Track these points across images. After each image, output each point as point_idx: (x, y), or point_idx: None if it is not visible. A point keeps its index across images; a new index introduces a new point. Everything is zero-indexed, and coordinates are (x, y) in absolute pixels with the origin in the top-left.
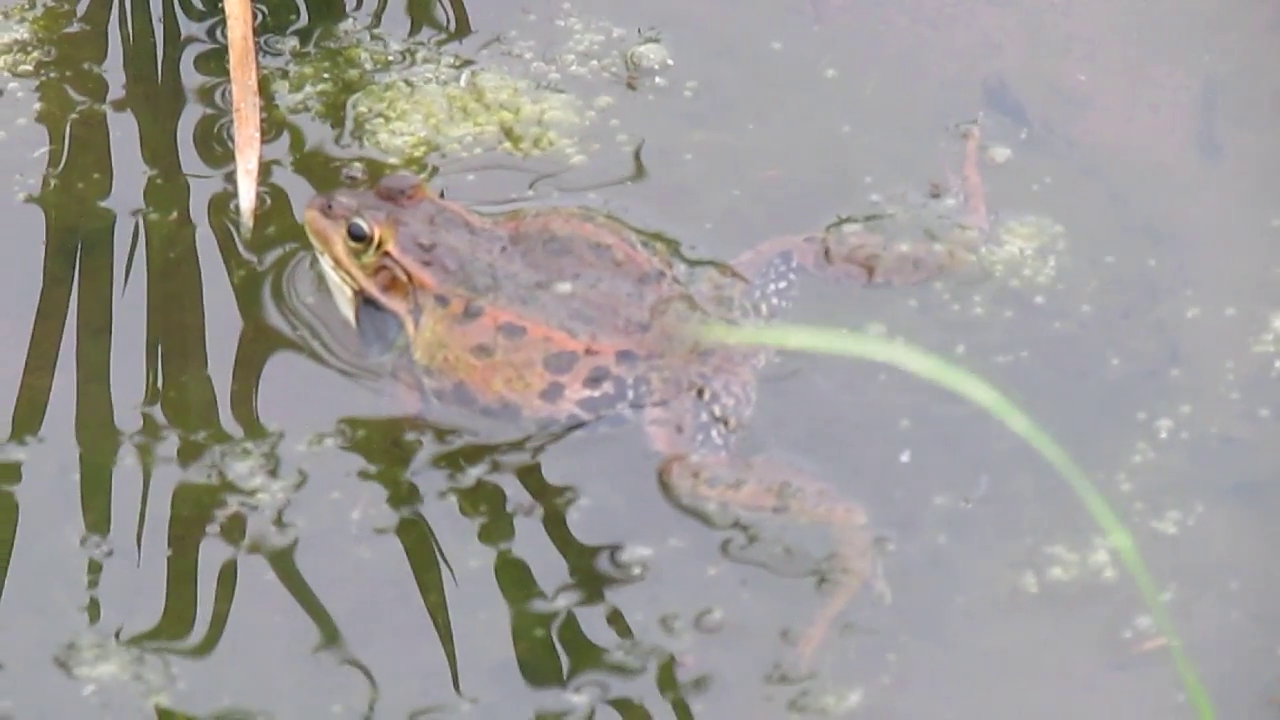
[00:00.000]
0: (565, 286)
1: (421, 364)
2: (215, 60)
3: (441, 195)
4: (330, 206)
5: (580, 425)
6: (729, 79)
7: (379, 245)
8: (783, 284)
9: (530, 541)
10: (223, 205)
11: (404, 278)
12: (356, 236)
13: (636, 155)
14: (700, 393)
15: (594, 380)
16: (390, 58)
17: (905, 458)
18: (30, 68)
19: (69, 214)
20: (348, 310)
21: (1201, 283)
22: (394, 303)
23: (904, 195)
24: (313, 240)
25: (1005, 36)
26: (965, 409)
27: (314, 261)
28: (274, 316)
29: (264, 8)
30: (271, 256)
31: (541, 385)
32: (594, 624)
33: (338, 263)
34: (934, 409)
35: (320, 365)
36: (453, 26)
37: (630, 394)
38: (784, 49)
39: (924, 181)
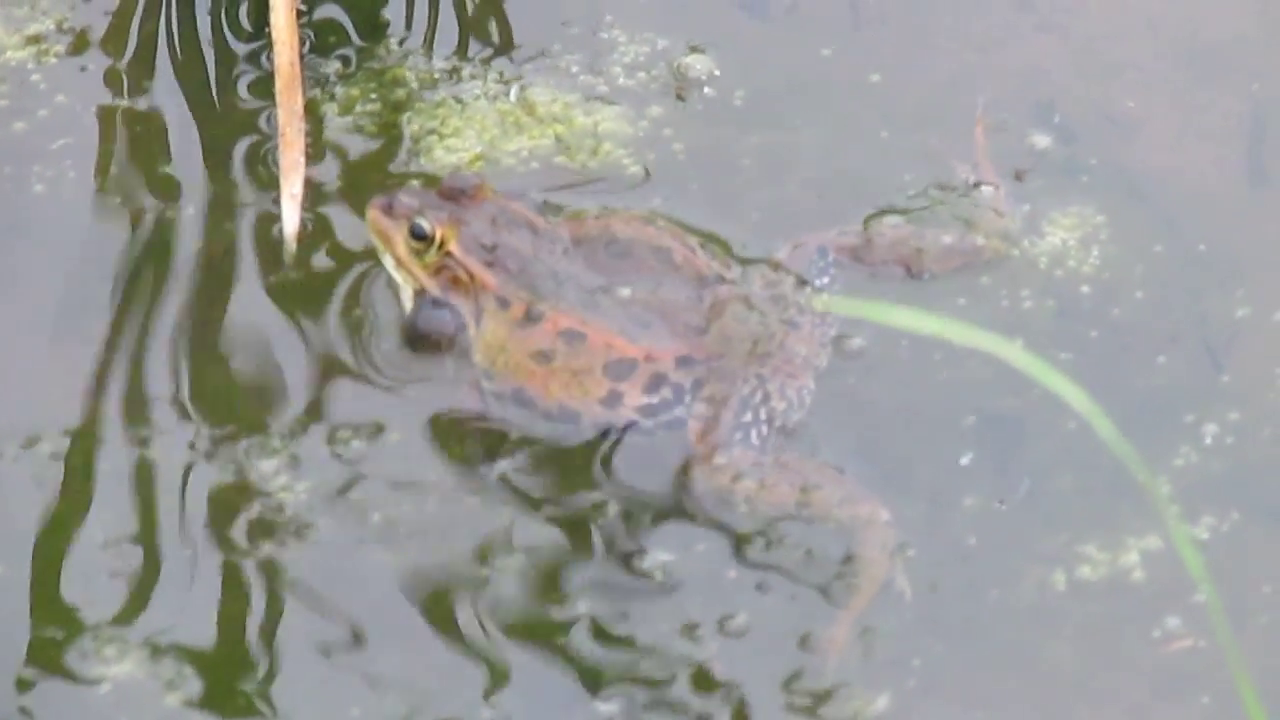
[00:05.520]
0: (625, 291)
1: (482, 366)
2: (264, 83)
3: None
4: (392, 206)
5: (635, 430)
6: (777, 87)
7: (441, 245)
8: (825, 279)
9: (555, 546)
10: (265, 225)
11: (466, 278)
12: (418, 236)
13: (691, 162)
14: (750, 393)
15: (652, 387)
16: (436, 76)
17: (965, 460)
18: (54, 60)
19: (97, 207)
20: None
21: (1253, 292)
22: (456, 303)
23: (931, 189)
24: (374, 239)
25: (1053, 62)
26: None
27: (373, 267)
28: (311, 322)
29: (309, 31)
30: (314, 266)
31: (601, 392)
32: (615, 629)
33: (399, 262)
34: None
35: (355, 367)
36: (496, 42)
37: (688, 399)
38: (831, 56)
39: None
